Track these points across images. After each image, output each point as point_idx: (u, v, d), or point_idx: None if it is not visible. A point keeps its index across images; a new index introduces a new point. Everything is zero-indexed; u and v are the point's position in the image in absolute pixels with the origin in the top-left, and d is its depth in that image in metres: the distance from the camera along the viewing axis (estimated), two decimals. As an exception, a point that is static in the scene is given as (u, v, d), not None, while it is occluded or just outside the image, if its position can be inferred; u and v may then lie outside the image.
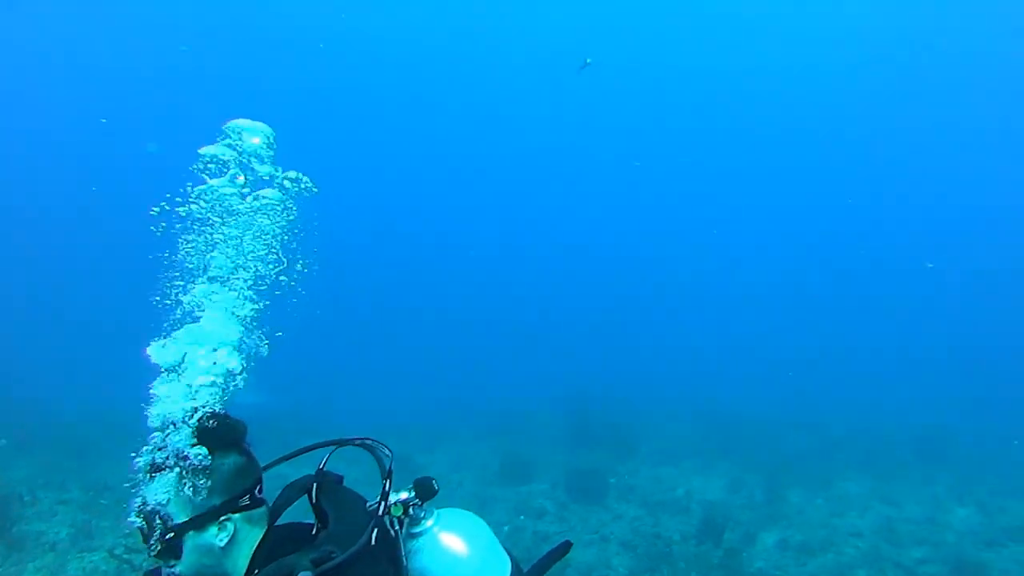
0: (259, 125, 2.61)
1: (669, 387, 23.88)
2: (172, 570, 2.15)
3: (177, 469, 2.11)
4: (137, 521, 2.14)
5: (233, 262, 2.51)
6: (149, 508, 2.13)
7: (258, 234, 2.55)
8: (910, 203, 50.16)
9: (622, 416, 17.90)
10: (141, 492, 2.16)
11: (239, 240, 2.52)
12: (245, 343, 2.45)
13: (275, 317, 2.52)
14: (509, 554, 2.40)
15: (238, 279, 2.50)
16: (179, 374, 2.28)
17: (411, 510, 2.25)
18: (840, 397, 23.36)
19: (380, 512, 2.18)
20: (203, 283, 2.44)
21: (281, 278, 2.55)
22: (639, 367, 28.46)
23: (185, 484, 2.11)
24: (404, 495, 2.25)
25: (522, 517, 12.41)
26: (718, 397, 21.74)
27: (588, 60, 21.95)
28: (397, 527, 2.23)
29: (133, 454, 2.17)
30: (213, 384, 2.31)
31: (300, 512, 2.33)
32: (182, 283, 2.40)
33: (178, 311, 2.39)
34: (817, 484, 14.39)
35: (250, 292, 2.52)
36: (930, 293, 43.73)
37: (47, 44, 42.32)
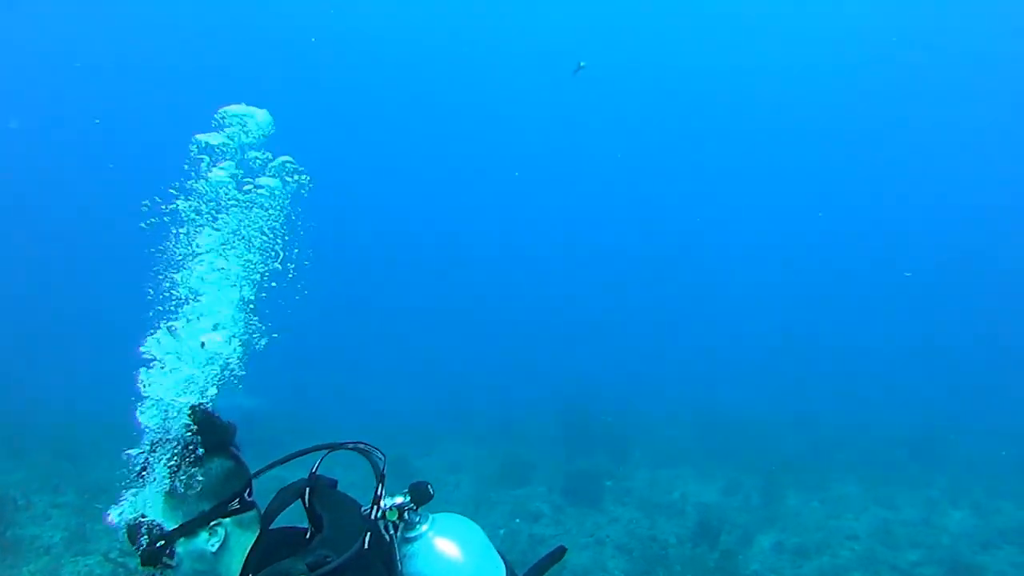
0: (254, 110, 2.55)
1: (665, 390, 23.87)
2: None
3: (169, 466, 2.10)
4: (125, 518, 2.13)
5: (228, 250, 2.47)
6: (137, 517, 2.13)
7: (254, 223, 2.51)
8: (907, 204, 50.28)
9: (618, 419, 17.88)
10: (127, 496, 2.15)
11: (235, 232, 2.48)
12: (243, 329, 2.42)
13: (272, 316, 2.50)
14: (504, 559, 2.39)
15: (234, 269, 2.46)
16: (174, 362, 2.26)
17: (406, 515, 2.24)
18: (836, 400, 23.38)
19: (375, 516, 2.18)
20: (199, 264, 2.40)
21: (277, 265, 2.51)
22: (636, 370, 28.43)
23: (178, 479, 2.10)
24: (399, 499, 2.24)
25: (518, 520, 12.39)
26: (714, 400, 21.74)
27: (582, 63, 21.87)
28: (392, 531, 2.22)
29: (126, 453, 2.16)
30: (210, 362, 2.28)
31: (294, 517, 2.33)
32: (176, 274, 2.36)
33: (171, 300, 2.36)
34: (813, 487, 14.40)
35: (247, 280, 2.48)
36: (925, 296, 43.78)
37: (39, 38, 42.24)
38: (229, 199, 2.45)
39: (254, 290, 2.45)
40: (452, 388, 23.90)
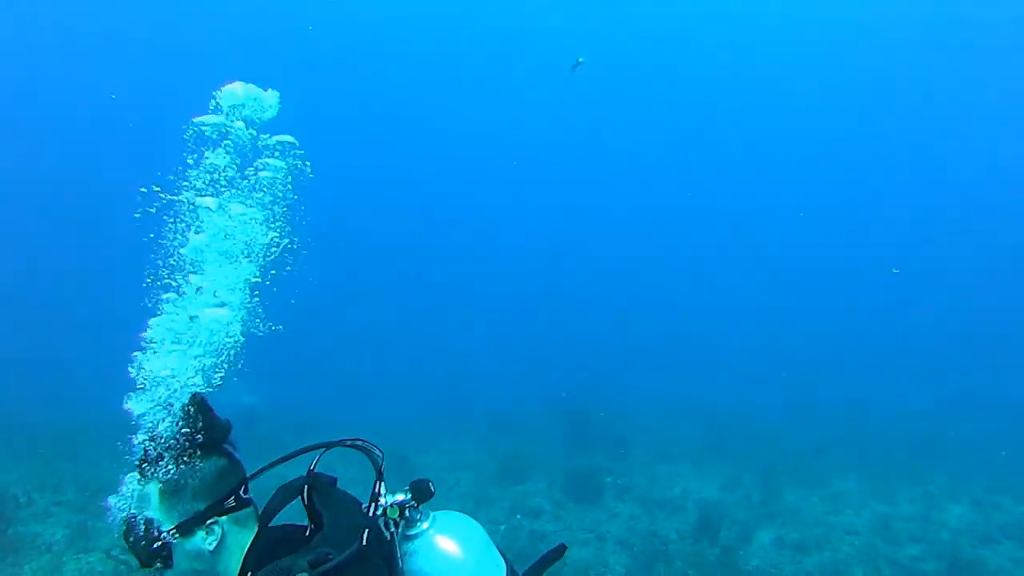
0: (254, 88, 2.47)
1: (665, 387, 23.89)
2: None
3: (163, 462, 2.10)
4: (124, 504, 2.14)
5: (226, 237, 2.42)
6: (133, 519, 2.13)
7: (255, 208, 2.45)
8: (906, 203, 50.24)
9: (618, 416, 17.92)
10: (126, 481, 2.15)
11: (237, 217, 2.43)
12: (245, 313, 2.39)
13: (272, 307, 2.49)
14: (504, 557, 2.38)
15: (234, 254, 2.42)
16: (171, 344, 2.24)
17: (407, 512, 2.24)
18: (835, 396, 23.38)
19: (376, 514, 2.18)
20: (199, 241, 2.36)
21: (286, 242, 2.47)
22: (635, 367, 28.47)
23: (172, 478, 2.10)
24: (400, 497, 2.24)
25: (519, 516, 12.41)
26: (713, 397, 21.76)
27: (581, 59, 21.80)
28: (393, 529, 2.21)
29: (128, 437, 2.16)
30: (211, 338, 2.27)
31: (294, 515, 2.33)
32: (174, 261, 2.32)
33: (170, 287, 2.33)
34: (813, 483, 14.42)
35: (249, 266, 2.44)
36: (924, 293, 43.79)
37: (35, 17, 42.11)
38: (229, 182, 2.41)
39: (257, 270, 2.43)
40: (452, 385, 23.95)
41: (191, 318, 2.28)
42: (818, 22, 43.48)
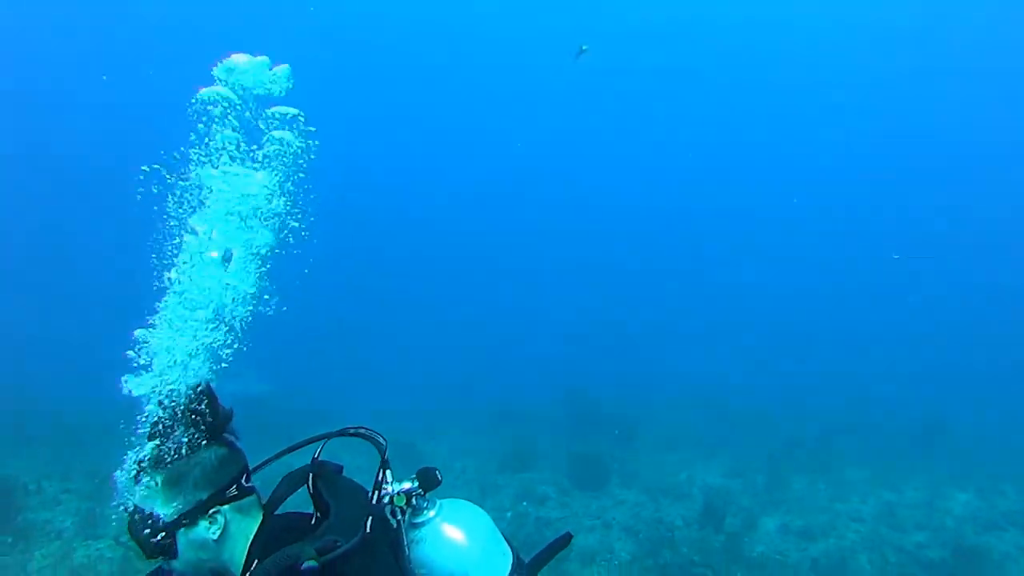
0: (262, 59, 2.40)
1: (670, 375, 23.91)
2: (171, 567, 2.16)
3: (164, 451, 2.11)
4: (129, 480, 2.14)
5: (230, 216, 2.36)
6: (137, 510, 2.13)
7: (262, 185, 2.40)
8: (911, 192, 50.06)
9: (623, 404, 17.96)
10: (131, 456, 2.14)
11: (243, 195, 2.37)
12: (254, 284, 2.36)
13: (281, 294, 2.48)
14: (510, 545, 2.39)
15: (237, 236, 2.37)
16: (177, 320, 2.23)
17: (414, 500, 2.25)
18: (841, 385, 23.39)
19: (383, 502, 2.19)
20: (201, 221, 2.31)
21: (294, 223, 2.42)
22: (640, 354, 28.50)
23: (172, 468, 2.11)
24: (407, 485, 2.25)
25: (525, 503, 12.46)
26: (719, 384, 21.77)
27: (584, 47, 21.70)
28: (400, 517, 2.22)
29: (129, 425, 2.15)
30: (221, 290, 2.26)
31: (300, 503, 2.34)
32: (177, 239, 2.29)
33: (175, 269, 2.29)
34: (818, 470, 14.44)
35: (256, 232, 2.39)
36: (928, 281, 43.72)
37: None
38: (233, 158, 2.36)
39: (266, 242, 2.40)
40: (458, 374, 23.97)
41: (191, 271, 2.24)
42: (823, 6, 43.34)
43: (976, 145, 48.05)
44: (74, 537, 10.05)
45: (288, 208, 2.42)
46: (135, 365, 2.17)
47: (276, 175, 2.40)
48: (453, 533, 2.27)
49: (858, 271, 45.63)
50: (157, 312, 2.24)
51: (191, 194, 2.31)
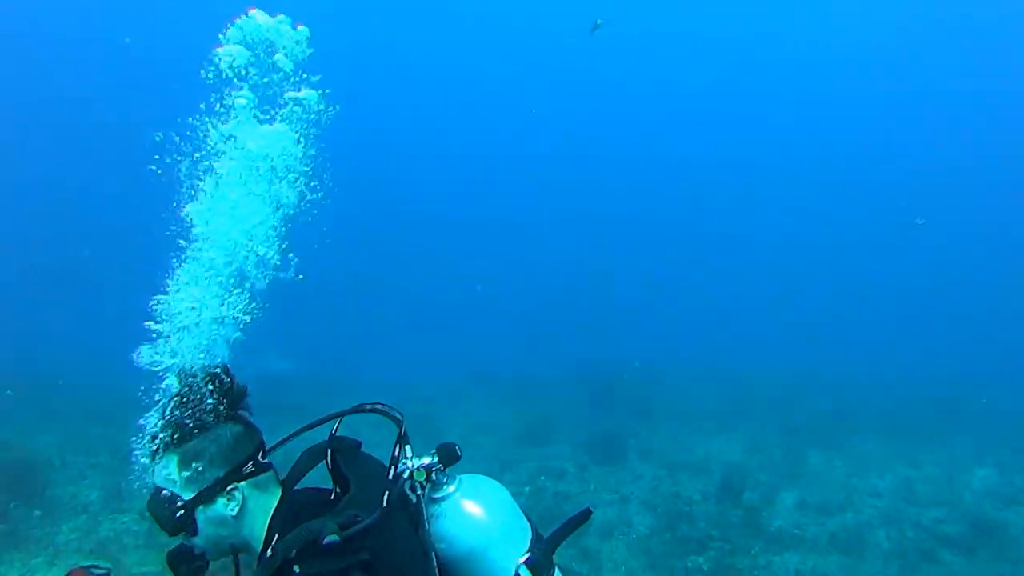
0: (281, 18, 2.38)
1: (687, 349, 23.89)
2: (192, 544, 2.19)
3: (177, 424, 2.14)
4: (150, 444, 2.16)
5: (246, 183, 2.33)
6: (155, 489, 2.17)
7: (279, 153, 2.36)
8: (931, 155, 49.46)
9: (642, 379, 17.98)
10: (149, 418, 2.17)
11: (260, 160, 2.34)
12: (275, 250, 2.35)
13: (300, 266, 2.47)
14: (530, 520, 2.40)
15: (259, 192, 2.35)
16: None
17: (434, 475, 2.26)
18: (859, 359, 23.28)
19: (403, 477, 2.20)
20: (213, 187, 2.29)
21: (310, 196, 2.39)
22: (658, 329, 28.47)
23: (188, 447, 2.14)
24: (427, 460, 2.26)
25: (543, 478, 12.52)
26: (737, 360, 21.72)
27: (599, 22, 21.48)
28: (419, 492, 2.23)
29: (147, 394, 2.18)
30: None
31: (319, 479, 2.37)
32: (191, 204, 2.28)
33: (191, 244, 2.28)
34: (836, 446, 14.41)
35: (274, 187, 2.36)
36: (947, 253, 43.32)
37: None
38: (249, 124, 2.33)
39: (290, 207, 2.39)
40: (476, 349, 24.02)
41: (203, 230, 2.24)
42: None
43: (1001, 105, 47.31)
44: (100, 511, 10.19)
45: (307, 169, 2.41)
46: (153, 336, 2.21)
47: (296, 134, 2.38)
48: (473, 508, 2.28)
49: (876, 244, 45.26)
50: (176, 278, 2.26)
51: (209, 154, 2.31)
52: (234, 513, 2.16)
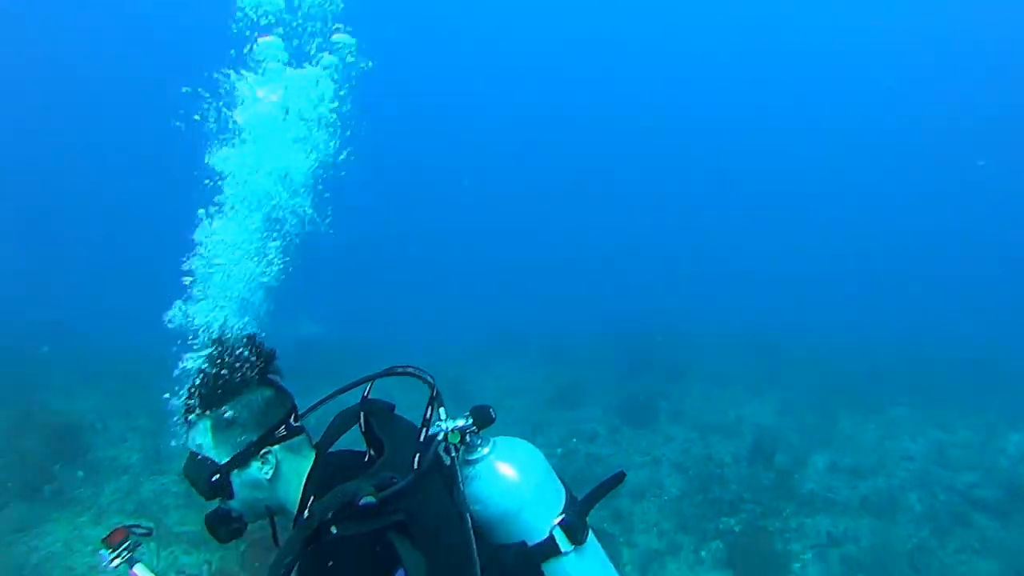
0: None
1: (720, 312, 23.77)
2: (229, 507, 2.23)
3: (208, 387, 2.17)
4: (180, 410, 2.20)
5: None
6: (190, 454, 2.21)
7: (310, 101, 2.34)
8: (970, 124, 48.48)
9: (673, 341, 17.96)
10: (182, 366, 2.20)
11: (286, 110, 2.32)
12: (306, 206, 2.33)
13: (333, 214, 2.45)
14: (563, 483, 2.41)
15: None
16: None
17: (468, 437, 2.27)
18: (892, 322, 23.04)
19: (438, 439, 2.22)
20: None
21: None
22: (689, 291, 28.35)
23: (220, 412, 2.17)
24: (461, 422, 2.26)
25: (575, 440, 12.58)
26: (769, 322, 21.59)
27: None
28: (453, 454, 2.24)
29: (175, 359, 2.19)
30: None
31: (352, 442, 2.39)
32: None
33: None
34: (868, 409, 14.33)
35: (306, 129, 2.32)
36: (981, 215, 42.61)
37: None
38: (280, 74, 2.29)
39: (325, 156, 2.38)
40: (507, 311, 24.08)
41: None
42: None
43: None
44: (140, 472, 10.40)
45: (336, 120, 2.40)
46: (186, 294, 2.23)
47: (330, 80, 2.37)
48: (507, 470, 2.29)
49: (910, 203, 44.59)
50: (208, 232, 2.28)
51: (238, 102, 2.30)
52: (268, 476, 2.20)
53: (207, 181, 2.29)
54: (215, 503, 2.25)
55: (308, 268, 2.43)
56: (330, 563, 1.97)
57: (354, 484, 2.00)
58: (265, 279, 2.30)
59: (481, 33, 52.63)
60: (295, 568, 1.98)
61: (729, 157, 50.94)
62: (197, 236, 2.27)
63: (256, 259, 2.28)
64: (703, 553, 8.94)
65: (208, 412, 2.18)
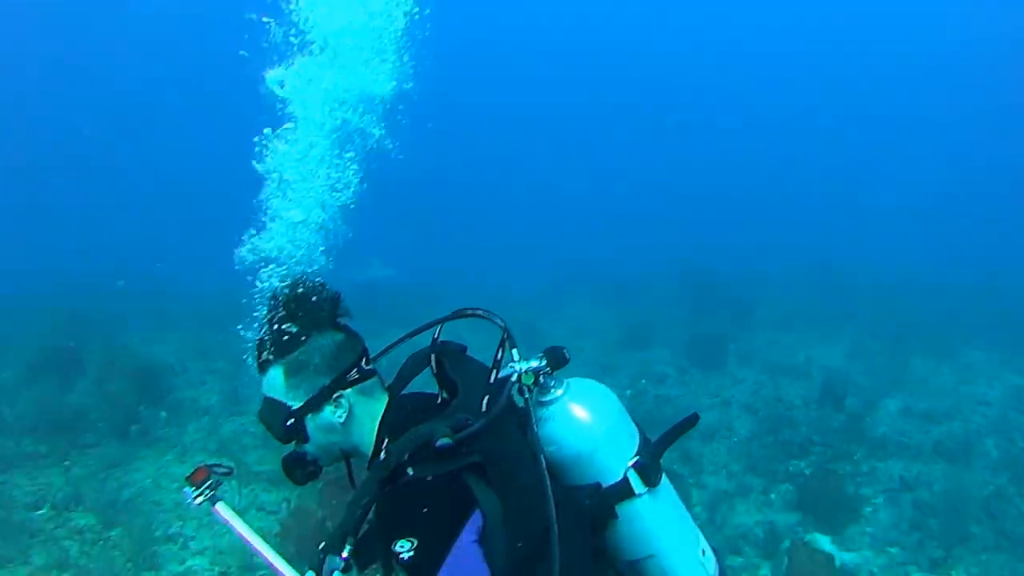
0: None
1: (788, 252, 23.37)
2: (304, 450, 2.27)
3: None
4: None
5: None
6: (264, 399, 2.25)
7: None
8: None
9: (742, 282, 17.78)
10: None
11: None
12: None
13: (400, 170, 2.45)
14: (637, 425, 2.40)
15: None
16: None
17: (541, 379, 2.25)
18: (968, 264, 22.30)
19: (511, 380, 2.20)
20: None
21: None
22: (758, 232, 27.91)
23: (291, 357, 2.19)
24: (535, 363, 2.24)
25: (643, 381, 12.61)
26: (840, 262, 21.13)
27: None
28: (527, 395, 2.22)
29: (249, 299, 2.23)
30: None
31: (424, 384, 2.40)
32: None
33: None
34: (942, 352, 14.05)
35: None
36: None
37: None
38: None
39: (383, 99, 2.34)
40: (576, 254, 24.04)
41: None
42: None
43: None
44: (220, 413, 10.76)
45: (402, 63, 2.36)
46: (257, 228, 2.25)
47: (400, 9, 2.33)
48: (581, 412, 2.28)
49: (986, 147, 43.02)
50: (276, 161, 2.27)
51: (300, 30, 2.27)
52: (342, 420, 2.22)
53: (279, 106, 2.28)
54: (291, 446, 2.29)
55: (381, 209, 2.43)
56: (407, 504, 1.99)
57: (429, 426, 2.01)
58: (341, 200, 2.30)
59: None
60: (372, 508, 2.02)
61: (797, 96, 49.73)
62: (267, 165, 2.28)
63: (330, 178, 2.28)
64: (772, 495, 8.93)
65: (281, 358, 2.21)
